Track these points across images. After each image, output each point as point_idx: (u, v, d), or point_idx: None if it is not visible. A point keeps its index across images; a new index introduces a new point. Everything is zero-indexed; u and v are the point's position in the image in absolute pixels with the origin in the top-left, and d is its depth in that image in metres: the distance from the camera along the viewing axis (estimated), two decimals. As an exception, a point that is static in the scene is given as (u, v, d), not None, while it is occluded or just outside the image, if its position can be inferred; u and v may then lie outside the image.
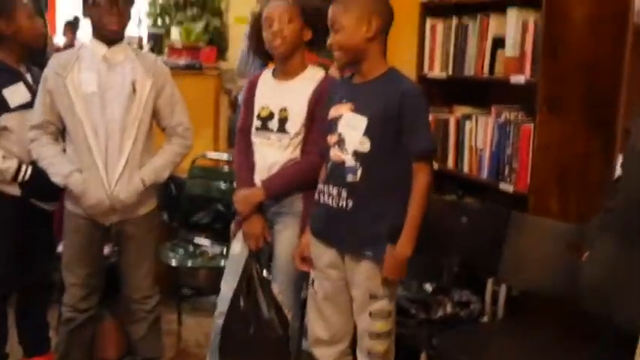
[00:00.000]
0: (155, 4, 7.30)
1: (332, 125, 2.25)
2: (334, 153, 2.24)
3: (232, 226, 2.64)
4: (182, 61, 4.74)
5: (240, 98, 3.21)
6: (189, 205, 3.84)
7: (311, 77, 2.49)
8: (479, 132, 3.10)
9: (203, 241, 3.69)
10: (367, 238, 2.19)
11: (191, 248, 3.61)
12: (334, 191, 2.23)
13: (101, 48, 2.55)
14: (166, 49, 5.47)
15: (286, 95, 2.48)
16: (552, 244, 2.56)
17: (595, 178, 2.75)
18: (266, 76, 2.58)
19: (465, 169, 3.19)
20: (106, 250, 2.87)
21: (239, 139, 2.61)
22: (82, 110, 2.50)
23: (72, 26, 7.23)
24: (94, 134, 2.51)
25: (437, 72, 3.38)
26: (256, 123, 2.52)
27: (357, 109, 2.20)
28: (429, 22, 3.43)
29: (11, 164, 2.63)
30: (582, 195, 2.76)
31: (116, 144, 2.52)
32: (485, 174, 3.03)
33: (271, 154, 2.48)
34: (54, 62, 2.58)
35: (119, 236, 2.68)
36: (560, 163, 2.74)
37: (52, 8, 8.42)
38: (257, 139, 2.53)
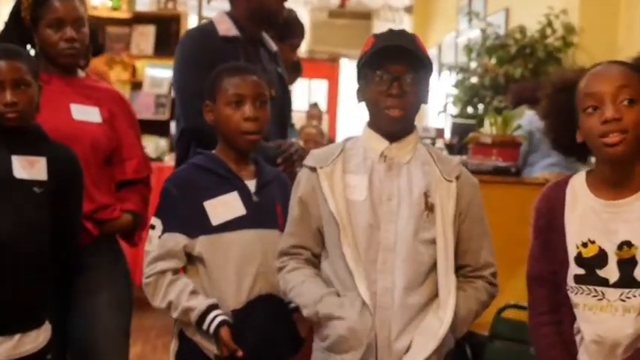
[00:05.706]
0: (463, 86, 5.53)
1: None
2: None
3: None
4: (491, 162, 3.73)
5: None
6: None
7: None
8: None
9: None
10: None
11: None
12: None
13: (380, 142, 2.05)
14: (470, 145, 4.38)
15: (628, 222, 1.83)
16: None
17: None
18: (577, 188, 1.90)
19: None
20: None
21: (536, 297, 1.97)
22: (339, 220, 1.98)
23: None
24: (357, 256, 1.96)
25: None
26: (575, 270, 1.87)
27: None
28: None
29: (197, 304, 2.15)
30: None
31: (398, 280, 1.96)
32: None
33: (611, 324, 1.82)
34: (309, 157, 2.15)
35: None
36: None
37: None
38: (579, 298, 1.87)
